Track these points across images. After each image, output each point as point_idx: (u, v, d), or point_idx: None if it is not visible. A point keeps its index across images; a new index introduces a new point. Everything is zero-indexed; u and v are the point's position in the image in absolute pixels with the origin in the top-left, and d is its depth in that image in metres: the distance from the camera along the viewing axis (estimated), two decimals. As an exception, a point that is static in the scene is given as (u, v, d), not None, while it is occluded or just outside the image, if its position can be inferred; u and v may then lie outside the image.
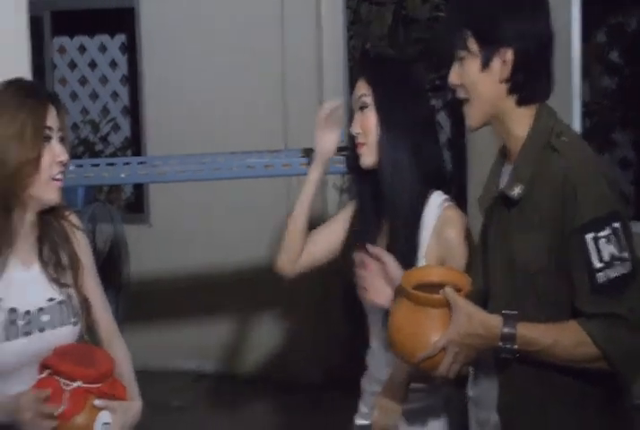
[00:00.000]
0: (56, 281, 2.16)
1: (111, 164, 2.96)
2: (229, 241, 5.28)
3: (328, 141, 2.39)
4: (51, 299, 2.15)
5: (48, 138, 2.03)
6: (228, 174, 2.86)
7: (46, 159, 2.02)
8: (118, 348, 2.28)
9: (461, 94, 1.93)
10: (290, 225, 2.43)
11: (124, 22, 5.93)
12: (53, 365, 2.06)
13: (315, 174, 2.42)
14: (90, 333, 2.27)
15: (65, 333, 2.16)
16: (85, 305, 2.22)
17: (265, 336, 5.30)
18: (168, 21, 5.56)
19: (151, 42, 5.62)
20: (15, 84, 2.08)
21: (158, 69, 5.58)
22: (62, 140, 2.06)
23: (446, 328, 1.85)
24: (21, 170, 1.99)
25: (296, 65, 5.27)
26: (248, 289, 5.20)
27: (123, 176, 2.86)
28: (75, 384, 2.04)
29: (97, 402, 2.03)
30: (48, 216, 2.17)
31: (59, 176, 2.05)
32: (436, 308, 1.89)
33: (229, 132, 5.24)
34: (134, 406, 2.14)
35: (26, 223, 2.12)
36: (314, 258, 2.45)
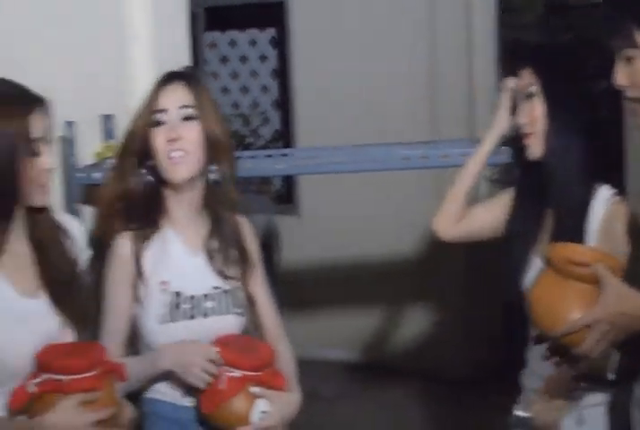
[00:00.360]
0: (221, 273, 2.21)
1: (269, 156, 3.00)
2: (378, 232, 5.28)
3: (506, 119, 2.33)
4: (216, 287, 2.20)
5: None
6: (383, 165, 2.84)
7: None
8: (282, 347, 2.29)
9: (634, 93, 1.81)
10: (457, 183, 2.38)
11: (274, 16, 6.00)
12: (218, 346, 2.11)
13: (488, 145, 2.37)
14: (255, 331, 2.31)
15: (229, 322, 2.20)
16: (250, 302, 2.26)
17: (414, 327, 5.29)
18: (317, 15, 5.60)
19: (300, 36, 5.68)
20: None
21: (307, 62, 5.64)
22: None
23: (591, 305, 1.79)
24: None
25: (445, 56, 5.21)
26: (397, 280, 5.18)
27: (279, 167, 2.89)
28: (235, 372, 2.09)
29: (254, 390, 2.07)
30: (223, 213, 2.23)
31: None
32: (585, 283, 1.83)
33: (378, 124, 5.24)
34: (292, 398, 2.17)
35: (190, 215, 2.21)
36: (469, 230, 2.40)
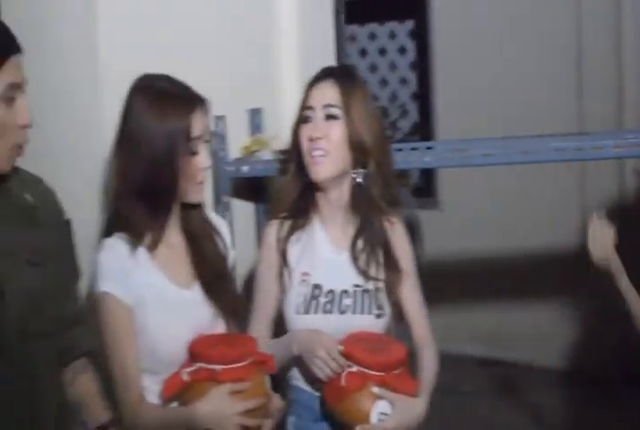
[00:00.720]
0: (364, 273, 2.20)
1: (414, 149, 2.96)
2: (519, 226, 5.18)
3: None
4: (357, 286, 2.20)
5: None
6: (535, 157, 2.76)
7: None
8: (427, 353, 2.26)
9: None
10: None
11: (413, 9, 5.96)
12: (347, 342, 2.10)
13: None
14: None
15: (366, 322, 2.19)
16: (397, 307, 2.24)
17: (558, 325, 5.16)
18: (457, 6, 5.53)
19: (440, 27, 5.62)
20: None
21: (447, 54, 5.58)
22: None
23: None
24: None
25: (593, 48, 5.06)
26: (541, 276, 5.07)
27: (427, 159, 2.84)
28: (357, 369, 2.07)
29: (375, 390, 2.04)
30: (371, 215, 2.22)
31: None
32: None
33: (520, 116, 5.12)
34: (418, 404, 2.10)
35: (338, 214, 2.23)
36: None
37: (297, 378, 2.24)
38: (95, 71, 2.47)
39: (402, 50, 6.27)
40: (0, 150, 1.71)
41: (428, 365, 2.23)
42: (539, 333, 5.24)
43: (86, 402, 1.98)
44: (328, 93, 2.17)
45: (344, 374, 2.06)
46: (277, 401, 2.06)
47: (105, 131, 2.47)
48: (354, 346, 2.10)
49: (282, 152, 2.32)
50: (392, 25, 6.28)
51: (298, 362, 2.19)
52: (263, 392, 1.99)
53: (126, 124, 2.00)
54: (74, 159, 2.55)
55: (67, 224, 1.99)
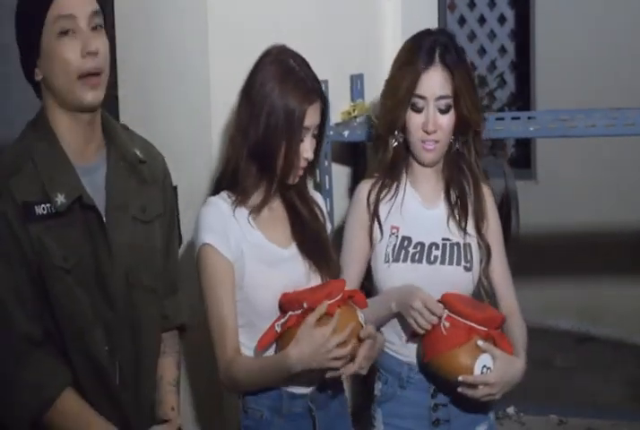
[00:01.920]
0: (458, 225, 2.25)
1: (516, 118, 2.97)
2: (616, 198, 5.10)
3: None
4: (446, 239, 2.24)
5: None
6: (640, 130, 2.75)
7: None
8: (516, 321, 2.26)
9: None
10: None
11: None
12: (447, 300, 2.12)
13: None
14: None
15: (455, 273, 2.22)
16: (487, 252, 2.26)
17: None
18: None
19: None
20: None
21: (547, 24, 5.49)
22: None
23: None
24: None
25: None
26: (638, 251, 5.00)
27: (531, 129, 2.84)
28: (462, 321, 2.09)
29: (480, 343, 2.07)
30: (464, 178, 2.28)
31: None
32: None
33: (621, 88, 5.01)
34: (518, 363, 2.12)
35: (430, 174, 2.28)
36: None
37: (385, 345, 2.26)
38: (206, 25, 2.50)
39: (502, 19, 6.19)
40: (69, 80, 1.77)
41: (520, 330, 2.24)
42: (633, 309, 5.17)
43: (161, 390, 2.03)
44: (440, 83, 2.19)
45: (447, 325, 2.08)
46: (372, 332, 2.04)
47: (213, 93, 2.55)
48: (456, 300, 2.13)
49: (381, 127, 2.34)
50: (492, -7, 6.23)
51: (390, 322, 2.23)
52: (355, 325, 1.98)
53: (252, 84, 2.07)
54: (184, 117, 2.60)
55: (174, 189, 2.08)
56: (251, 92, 2.06)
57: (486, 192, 2.32)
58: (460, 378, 2.05)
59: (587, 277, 5.27)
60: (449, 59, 2.19)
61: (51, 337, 1.80)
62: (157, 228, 1.96)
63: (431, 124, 2.18)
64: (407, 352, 2.24)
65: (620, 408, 4.04)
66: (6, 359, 1.76)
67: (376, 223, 2.26)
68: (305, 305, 1.98)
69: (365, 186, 2.30)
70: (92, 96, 1.79)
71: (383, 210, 2.26)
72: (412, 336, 2.20)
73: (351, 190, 3.22)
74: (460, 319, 2.09)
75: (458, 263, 2.22)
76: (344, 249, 2.30)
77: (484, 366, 2.05)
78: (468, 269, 2.23)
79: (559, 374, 4.63)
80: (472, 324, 2.08)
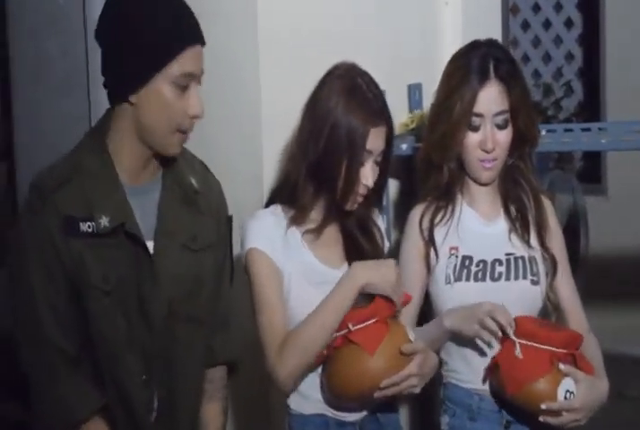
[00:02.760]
0: (521, 238, 2.24)
1: (586, 129, 2.90)
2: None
3: None
4: (509, 254, 2.22)
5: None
6: None
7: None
8: (590, 339, 2.23)
9: None
10: None
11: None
12: (519, 323, 2.09)
13: None
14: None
15: (522, 288, 2.20)
16: (553, 266, 2.24)
17: None
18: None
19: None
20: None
21: (618, 28, 5.41)
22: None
23: None
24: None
25: None
26: None
27: (603, 141, 2.78)
28: (544, 347, 2.05)
29: (562, 367, 2.03)
30: (522, 192, 2.27)
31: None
32: None
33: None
34: (601, 384, 2.10)
35: (487, 192, 2.26)
36: None
37: (451, 375, 2.24)
38: (256, 39, 2.49)
39: (569, 23, 6.13)
40: (162, 128, 1.80)
41: (595, 348, 2.22)
42: None
43: None
44: (497, 99, 2.17)
45: (520, 352, 2.04)
46: (432, 357, 2.05)
47: (262, 107, 2.52)
48: (528, 322, 2.10)
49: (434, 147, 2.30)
50: (558, -4, 6.16)
51: (463, 357, 2.20)
52: (401, 339, 1.99)
53: (316, 97, 2.07)
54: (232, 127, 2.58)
55: (229, 220, 2.06)
56: (314, 106, 2.06)
57: (546, 203, 2.31)
58: (543, 406, 2.01)
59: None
60: (504, 72, 2.17)
61: (86, 356, 1.81)
62: (207, 258, 1.95)
63: (490, 142, 2.17)
64: (475, 380, 2.20)
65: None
66: (40, 374, 1.79)
67: (431, 248, 2.24)
68: (350, 326, 1.97)
69: (417, 212, 2.29)
70: (179, 149, 1.86)
71: (439, 232, 2.25)
72: (490, 370, 2.15)
73: (405, 207, 3.17)
74: (536, 344, 2.05)
75: (524, 277, 2.19)
76: (402, 272, 2.25)
77: (567, 391, 2.02)
78: (535, 282, 2.20)
79: (631, 405, 4.53)
80: (551, 348, 2.04)
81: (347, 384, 1.98)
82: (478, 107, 2.17)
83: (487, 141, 2.17)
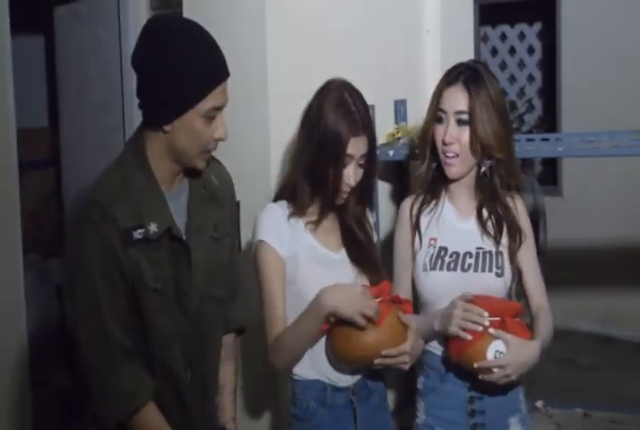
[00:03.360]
0: (491, 235, 2.22)
1: (545, 139, 2.94)
2: (638, 212, 5.01)
3: None
4: (479, 248, 2.21)
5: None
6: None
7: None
8: (543, 314, 2.21)
9: None
10: None
11: (542, 11, 5.83)
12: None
13: None
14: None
15: (487, 279, 2.19)
16: (517, 272, 2.22)
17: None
18: (585, 10, 5.39)
19: (568, 29, 5.50)
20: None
21: (573, 54, 5.45)
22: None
23: None
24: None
25: None
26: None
27: (560, 149, 2.81)
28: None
29: (491, 331, 2.05)
30: (493, 191, 2.23)
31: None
32: None
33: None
34: (531, 346, 2.07)
35: (465, 191, 2.25)
36: None
37: (430, 343, 2.26)
38: (265, 66, 2.51)
39: (531, 50, 6.16)
40: (192, 152, 1.79)
41: (544, 321, 2.20)
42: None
43: (223, 398, 2.02)
44: (458, 99, 2.16)
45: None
46: (414, 327, 2.05)
47: (270, 125, 2.54)
48: (475, 298, 2.11)
49: (418, 139, 2.33)
50: (521, 27, 6.17)
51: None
52: (396, 328, 2.01)
53: (311, 106, 2.09)
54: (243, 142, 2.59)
55: (237, 205, 2.08)
56: (309, 115, 2.09)
57: (519, 204, 2.28)
58: (475, 365, 2.05)
59: (610, 285, 5.20)
60: (470, 81, 2.16)
61: (139, 349, 1.79)
62: (225, 244, 1.96)
63: (448, 134, 2.16)
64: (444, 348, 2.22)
65: (641, 403, 3.96)
66: (102, 366, 1.76)
67: (417, 234, 2.25)
68: None
69: (408, 201, 2.31)
70: (205, 165, 1.85)
71: (423, 221, 2.26)
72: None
73: (396, 204, 3.20)
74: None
75: (490, 270, 2.19)
76: (395, 259, 2.30)
77: (497, 351, 2.04)
78: (499, 275, 2.20)
79: (584, 373, 4.57)
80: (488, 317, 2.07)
81: (353, 349, 1.99)
82: (442, 103, 2.18)
83: (446, 134, 2.17)
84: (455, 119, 2.16)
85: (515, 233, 2.23)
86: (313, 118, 2.07)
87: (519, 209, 2.28)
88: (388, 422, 2.25)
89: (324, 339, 2.07)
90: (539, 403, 3.33)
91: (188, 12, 2.59)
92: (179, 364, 1.83)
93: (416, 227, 2.25)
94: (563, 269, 4.92)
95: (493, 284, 2.20)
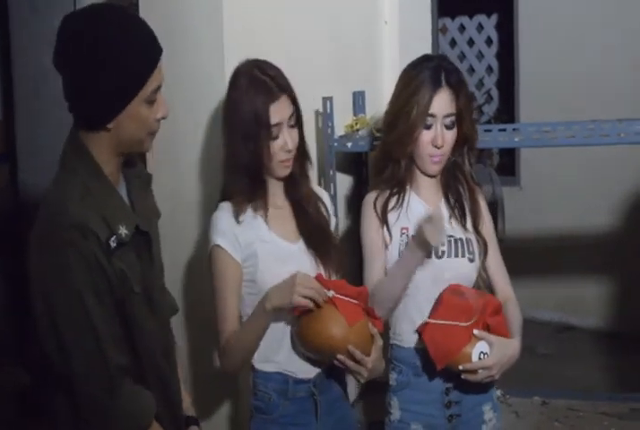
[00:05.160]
0: (459, 223, 2.26)
1: (502, 130, 2.95)
2: (593, 203, 5.07)
3: None
4: (450, 236, 2.24)
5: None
6: (616, 140, 2.72)
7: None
8: (512, 307, 2.24)
9: None
10: None
11: (500, 3, 5.86)
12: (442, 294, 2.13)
13: None
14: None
15: (461, 264, 2.22)
16: (484, 247, 2.26)
17: (627, 293, 5.06)
18: (541, 2, 5.43)
19: (524, 21, 5.52)
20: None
21: (530, 46, 5.47)
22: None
23: None
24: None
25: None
26: (612, 250, 5.00)
27: (516, 139, 2.82)
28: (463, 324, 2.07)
29: (475, 332, 2.07)
30: (457, 182, 2.28)
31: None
32: None
33: (597, 104, 4.97)
34: (511, 344, 2.11)
35: (430, 182, 2.27)
36: None
37: (396, 337, 2.26)
38: (222, 55, 2.48)
39: (489, 41, 6.18)
40: (140, 138, 1.69)
41: (515, 313, 2.23)
42: (608, 303, 5.16)
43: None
44: (447, 103, 2.18)
45: (445, 332, 2.08)
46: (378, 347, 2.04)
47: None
48: (452, 295, 2.13)
49: (382, 132, 2.31)
50: (480, 18, 6.19)
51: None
52: (365, 335, 2.01)
53: (225, 105, 2.07)
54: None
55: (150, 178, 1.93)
56: (227, 113, 2.07)
57: (479, 195, 2.33)
58: (460, 367, 2.06)
59: (567, 274, 5.26)
60: (453, 81, 2.18)
61: (132, 363, 1.69)
62: (156, 231, 1.88)
63: (440, 139, 2.18)
64: (419, 340, 2.21)
65: (598, 390, 4.02)
66: (102, 389, 1.63)
67: (385, 229, 2.25)
68: (332, 292, 1.99)
69: (372, 196, 2.29)
70: (151, 146, 1.75)
71: (392, 215, 2.26)
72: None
73: (354, 195, 3.20)
74: (451, 322, 2.08)
75: (463, 255, 2.22)
76: (365, 248, 2.28)
77: (481, 352, 2.06)
78: (471, 260, 2.23)
79: (541, 361, 4.61)
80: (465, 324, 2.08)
81: (320, 335, 1.98)
82: (432, 109, 2.17)
83: (437, 139, 2.18)
84: (444, 122, 2.19)
85: (477, 218, 2.28)
86: (231, 108, 2.04)
87: (481, 201, 2.32)
88: (349, 414, 2.25)
89: (286, 332, 2.06)
90: (497, 392, 3.36)
91: (144, 8, 2.55)
92: (165, 366, 1.79)
93: (383, 221, 2.25)
94: (521, 258, 4.95)
95: (467, 268, 2.23)
